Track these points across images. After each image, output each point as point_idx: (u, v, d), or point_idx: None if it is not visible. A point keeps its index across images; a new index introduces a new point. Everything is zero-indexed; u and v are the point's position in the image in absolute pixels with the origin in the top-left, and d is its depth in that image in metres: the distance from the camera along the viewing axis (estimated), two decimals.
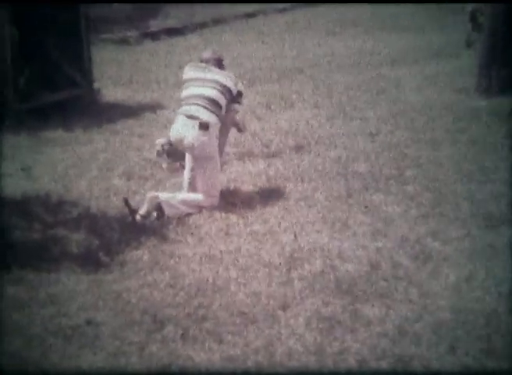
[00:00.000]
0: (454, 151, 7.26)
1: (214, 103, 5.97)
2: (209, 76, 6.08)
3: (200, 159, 5.97)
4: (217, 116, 5.97)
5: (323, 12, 17.72)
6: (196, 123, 5.86)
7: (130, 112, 9.15)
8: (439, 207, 5.89)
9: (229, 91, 6.10)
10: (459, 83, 9.99)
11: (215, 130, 5.98)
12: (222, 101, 6.04)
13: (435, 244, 5.23)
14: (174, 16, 16.64)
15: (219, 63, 6.29)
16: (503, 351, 3.86)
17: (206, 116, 5.90)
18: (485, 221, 5.51)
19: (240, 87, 6.43)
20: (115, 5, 15.30)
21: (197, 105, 5.95)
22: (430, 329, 4.11)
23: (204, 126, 5.83)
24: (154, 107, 9.54)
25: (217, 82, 6.04)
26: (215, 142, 6.04)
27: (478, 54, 9.67)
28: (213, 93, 6.00)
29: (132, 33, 14.59)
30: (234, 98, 6.22)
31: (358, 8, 17.33)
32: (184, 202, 5.91)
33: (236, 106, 6.43)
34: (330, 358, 3.94)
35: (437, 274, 4.77)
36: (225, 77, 6.12)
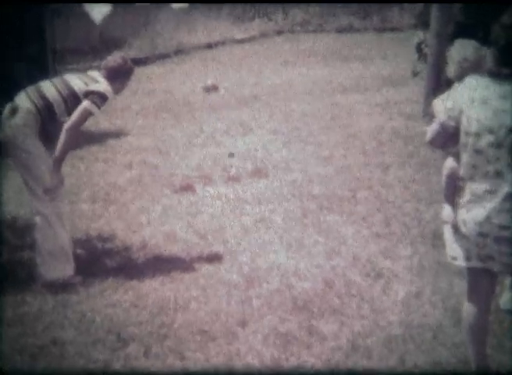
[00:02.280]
0: (403, 173, 7.37)
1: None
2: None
3: None
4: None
5: (280, 42, 17.91)
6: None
7: (95, 138, 9.11)
8: (389, 227, 5.96)
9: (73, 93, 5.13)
10: (407, 110, 10.17)
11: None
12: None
13: (386, 262, 5.28)
14: (137, 46, 16.68)
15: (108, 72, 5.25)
16: (449, 362, 3.90)
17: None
18: (432, 240, 5.59)
19: (97, 86, 5.15)
20: (81, 37, 15.28)
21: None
22: (381, 343, 4.14)
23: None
24: (117, 133, 9.54)
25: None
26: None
27: (424, 82, 9.87)
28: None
29: (97, 64, 14.54)
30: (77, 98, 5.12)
31: (314, 38, 17.56)
32: None
33: (86, 104, 5.07)
34: (287, 373, 3.94)
35: (388, 291, 4.82)
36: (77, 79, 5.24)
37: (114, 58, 5.30)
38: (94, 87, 5.09)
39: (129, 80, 5.40)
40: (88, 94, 5.05)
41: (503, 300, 4.33)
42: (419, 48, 10.69)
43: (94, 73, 5.26)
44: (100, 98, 5.06)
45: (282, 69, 14.73)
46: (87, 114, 5.05)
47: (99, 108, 5.08)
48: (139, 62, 15.24)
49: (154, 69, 15.20)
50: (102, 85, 5.11)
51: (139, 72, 14.42)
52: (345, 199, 6.67)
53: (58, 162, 5.06)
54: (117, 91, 5.28)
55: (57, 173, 5.06)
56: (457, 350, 3.96)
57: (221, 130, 9.56)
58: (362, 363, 3.96)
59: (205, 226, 6.12)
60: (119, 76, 5.25)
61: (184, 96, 12.22)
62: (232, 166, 7.84)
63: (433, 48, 9.56)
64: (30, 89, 5.11)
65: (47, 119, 5.02)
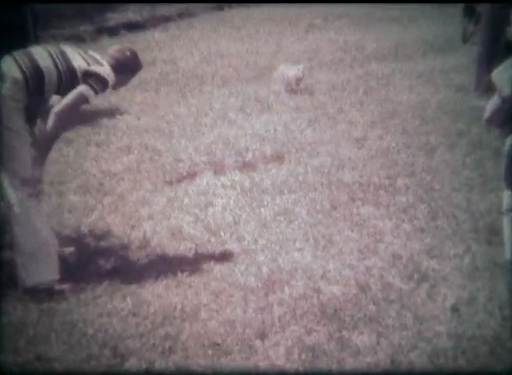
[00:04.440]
0: (452, 157, 7.32)
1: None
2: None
3: None
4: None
5: (304, 3, 17.81)
6: None
7: (86, 118, 9.11)
8: (435, 220, 5.93)
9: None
10: (456, 81, 10.11)
11: None
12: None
13: (431, 262, 5.25)
14: (134, 8, 16.67)
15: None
16: None
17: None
18: (486, 236, 5.55)
19: (100, 69, 5.15)
20: None
21: None
22: (427, 358, 4.11)
23: None
24: (112, 112, 9.55)
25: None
26: None
27: (477, 48, 9.78)
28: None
29: (86, 28, 14.58)
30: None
31: None
32: None
33: (83, 88, 5.08)
34: None
35: (434, 296, 4.79)
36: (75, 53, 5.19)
37: (122, 50, 5.37)
38: (96, 68, 5.09)
39: (134, 77, 5.51)
40: (88, 76, 5.05)
41: None
42: (470, 7, 10.60)
43: (97, 55, 5.26)
44: (100, 84, 5.08)
45: (307, 35, 14.68)
46: (82, 100, 5.06)
47: (97, 94, 5.08)
48: (137, 26, 15.32)
49: (154, 35, 15.20)
50: (106, 69, 5.12)
51: (137, 38, 14.50)
52: (382, 188, 6.63)
53: (43, 151, 5.06)
54: (119, 85, 5.32)
55: (40, 164, 5.05)
56: None
57: (234, 107, 9.54)
58: None
59: (217, 221, 6.12)
60: (125, 71, 5.31)
61: (191, 67, 12.21)
62: (248, 150, 7.81)
63: (488, 5, 9.46)
64: (18, 54, 5.06)
65: (33, 93, 5.00)
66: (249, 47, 13.60)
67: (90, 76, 5.06)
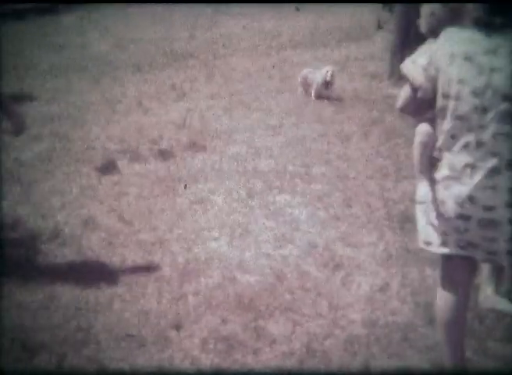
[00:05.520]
0: (366, 145, 7.42)
1: None
2: None
3: None
4: None
5: None
6: None
7: None
8: (350, 208, 6.00)
9: None
10: (370, 69, 10.24)
11: None
12: None
13: (346, 249, 5.32)
14: None
15: None
16: (421, 366, 3.95)
17: None
18: (400, 223, 5.64)
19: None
20: None
21: None
22: (341, 346, 4.17)
23: None
24: (21, 98, 9.34)
25: None
26: None
27: (390, 36, 9.93)
28: None
29: None
30: None
31: None
32: None
33: None
34: None
35: (348, 284, 4.85)
36: None
37: None
38: None
39: None
40: None
41: (481, 296, 4.40)
42: None
43: None
44: None
45: (222, 20, 14.64)
46: None
47: None
48: (44, 10, 14.99)
49: (64, 19, 14.93)
50: None
51: (45, 22, 14.22)
52: (297, 176, 6.68)
53: None
54: None
55: None
56: (431, 353, 4.01)
57: (148, 95, 9.47)
58: (319, 370, 3.98)
59: (131, 210, 6.07)
60: None
61: (103, 52, 12.05)
62: (162, 138, 7.77)
63: None
64: None
65: None
66: (162, 32, 13.48)
67: None
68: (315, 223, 5.77)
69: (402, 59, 3.81)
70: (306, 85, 9.21)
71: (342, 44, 12.08)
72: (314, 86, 9.10)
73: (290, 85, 9.72)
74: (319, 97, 9.09)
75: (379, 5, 10.94)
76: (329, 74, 9.08)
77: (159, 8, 16.16)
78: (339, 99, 9.09)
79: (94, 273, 5.05)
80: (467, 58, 3.19)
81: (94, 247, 5.46)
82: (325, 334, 4.28)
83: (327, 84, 9.09)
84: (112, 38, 13.06)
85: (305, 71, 9.38)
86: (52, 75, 10.51)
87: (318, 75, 9.12)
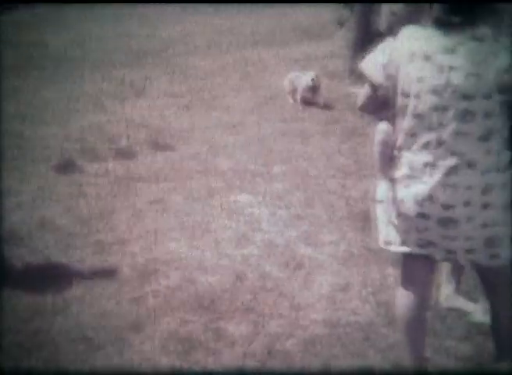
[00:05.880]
0: (327, 143, 7.44)
1: None
2: None
3: None
4: None
5: None
6: None
7: None
8: (311, 207, 6.01)
9: None
10: (331, 68, 10.27)
11: None
12: None
13: (308, 249, 5.32)
14: None
15: None
16: (382, 366, 3.97)
17: None
18: (361, 222, 5.66)
19: None
20: None
21: None
22: (302, 346, 4.16)
23: None
24: None
25: None
26: None
27: (350, 34, 9.97)
28: None
29: None
30: None
31: None
32: None
33: None
34: None
35: (310, 284, 4.85)
36: None
37: None
38: None
39: None
40: None
41: (442, 295, 4.43)
42: None
43: None
44: None
45: (181, 18, 14.59)
46: None
47: None
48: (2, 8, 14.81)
49: (21, 16, 14.78)
50: None
51: (2, 20, 14.03)
52: (258, 175, 6.68)
53: None
54: None
55: None
56: (392, 352, 4.02)
57: (107, 93, 9.41)
58: (280, 370, 3.98)
59: (89, 211, 6.02)
60: None
61: (61, 50, 11.94)
62: (121, 136, 7.72)
63: None
64: None
65: None
66: (120, 30, 13.41)
67: None
68: (276, 222, 5.77)
69: (362, 58, 3.81)
70: (292, 91, 8.93)
71: (302, 42, 12.11)
72: (300, 91, 8.78)
73: (251, 83, 9.71)
74: (305, 103, 8.79)
75: (340, 4, 10.99)
76: (311, 79, 8.70)
77: (120, 5, 16.06)
78: (327, 106, 8.85)
79: (51, 275, 5.00)
80: (427, 57, 3.20)
81: (50, 248, 5.40)
82: (286, 335, 4.27)
83: (313, 90, 8.77)
84: (69, 36, 12.95)
85: (291, 75, 9.05)
86: (8, 72, 10.39)
87: (304, 80, 8.79)
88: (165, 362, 4.06)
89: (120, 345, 4.21)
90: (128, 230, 5.68)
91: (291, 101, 8.73)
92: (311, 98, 8.78)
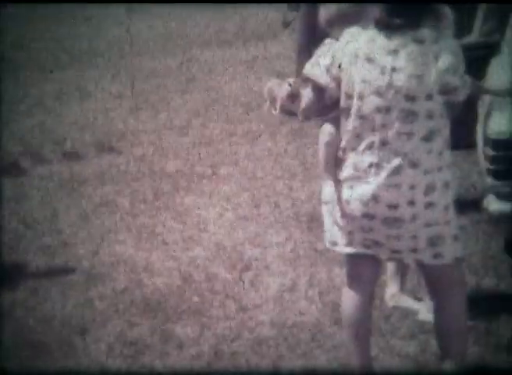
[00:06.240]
0: (274, 144, 7.47)
1: None
2: None
3: None
4: None
5: None
6: None
7: None
8: (258, 208, 6.03)
9: None
10: (278, 69, 10.28)
11: None
12: None
13: (255, 251, 5.33)
14: None
15: None
16: (329, 366, 4.00)
17: None
18: (308, 223, 5.69)
19: None
20: None
21: None
22: (250, 347, 4.18)
23: None
24: None
25: None
26: None
27: (296, 35, 10.01)
28: None
29: None
30: None
31: None
32: None
33: None
34: None
35: (257, 285, 4.87)
36: None
37: None
38: None
39: None
40: None
41: (387, 294, 4.48)
42: None
43: None
44: None
45: (126, 19, 14.51)
46: None
47: None
48: None
49: None
50: None
51: None
52: (205, 177, 6.68)
53: None
54: None
55: None
56: (338, 352, 4.06)
57: (51, 94, 9.32)
58: (227, 372, 3.99)
59: (34, 214, 5.97)
60: None
61: (2, 51, 11.78)
62: (67, 139, 7.66)
63: None
64: None
65: None
66: (64, 30, 13.29)
67: None
68: (223, 224, 5.78)
69: (308, 58, 3.85)
70: (272, 98, 8.76)
71: (249, 43, 12.13)
72: (279, 99, 8.60)
73: (198, 85, 9.71)
74: (284, 111, 8.59)
75: (285, 4, 11.04)
76: (287, 85, 8.41)
77: (64, 5, 15.91)
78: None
79: None
80: (369, 59, 3.25)
81: None
82: (233, 336, 4.29)
83: (291, 97, 8.55)
84: (11, 37, 12.78)
85: (271, 83, 8.88)
86: None
87: (283, 87, 8.62)
88: (112, 365, 4.06)
89: (66, 349, 4.19)
90: (73, 233, 5.65)
91: (273, 112, 8.56)
92: (290, 107, 8.57)
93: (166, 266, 5.12)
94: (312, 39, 9.14)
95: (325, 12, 4.01)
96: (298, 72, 9.73)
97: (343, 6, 3.87)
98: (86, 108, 8.75)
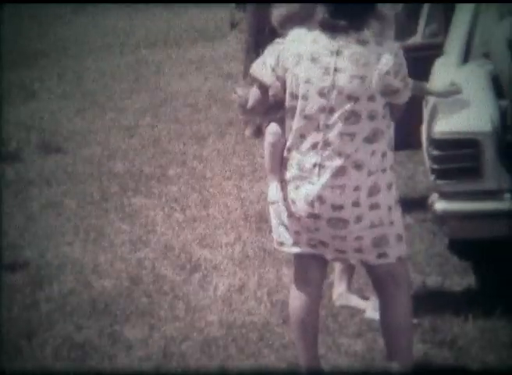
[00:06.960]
0: (222, 145, 7.49)
1: None
2: None
3: None
4: None
5: None
6: None
7: None
8: (207, 209, 6.05)
9: None
10: (226, 70, 10.33)
11: None
12: None
13: (204, 251, 5.35)
14: None
15: None
16: (277, 366, 4.04)
17: None
18: (257, 223, 5.72)
19: None
20: None
21: None
22: (199, 348, 4.19)
23: None
24: None
25: None
26: None
27: (244, 35, 10.04)
28: None
29: None
30: None
31: None
32: None
33: None
34: None
35: (206, 285, 4.88)
36: None
37: None
38: None
39: None
40: None
41: (334, 294, 4.53)
42: None
43: None
44: None
45: (72, 19, 14.41)
46: None
47: None
48: None
49: None
50: None
51: None
52: (154, 178, 6.68)
53: None
54: None
55: None
56: (286, 351, 4.10)
57: None
58: (176, 373, 4.00)
59: None
60: None
61: None
62: (11, 139, 7.59)
63: None
64: None
65: None
66: (9, 29, 13.12)
67: None
68: (172, 224, 5.78)
69: (256, 59, 3.88)
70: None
71: (197, 43, 12.13)
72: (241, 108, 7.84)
73: (145, 85, 9.69)
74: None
75: (233, 5, 11.07)
76: (243, 92, 7.73)
77: (8, 5, 15.74)
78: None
79: None
80: (313, 59, 3.29)
81: None
82: (182, 337, 4.30)
83: (243, 107, 7.96)
84: None
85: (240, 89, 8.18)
86: None
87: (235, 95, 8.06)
88: (59, 368, 4.04)
89: (12, 353, 4.16)
90: (20, 234, 5.60)
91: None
92: (243, 115, 7.35)
93: (114, 268, 5.12)
94: (260, 39, 9.24)
95: (276, 12, 4.04)
96: (246, 72, 9.84)
97: (294, 7, 3.90)
98: (31, 109, 8.69)
